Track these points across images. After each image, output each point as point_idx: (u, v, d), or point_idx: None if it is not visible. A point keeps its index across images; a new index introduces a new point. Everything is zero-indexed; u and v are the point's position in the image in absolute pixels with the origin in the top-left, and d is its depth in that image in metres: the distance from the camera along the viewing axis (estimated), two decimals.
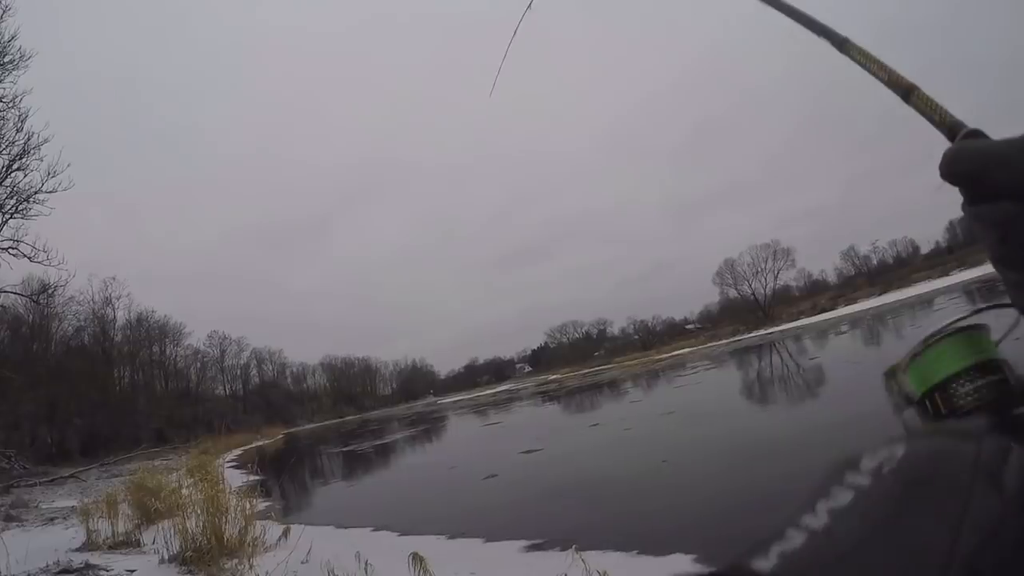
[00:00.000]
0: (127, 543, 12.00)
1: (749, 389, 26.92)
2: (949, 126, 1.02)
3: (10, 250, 34.17)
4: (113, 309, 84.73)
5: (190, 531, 9.61)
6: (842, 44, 1.35)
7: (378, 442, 41.69)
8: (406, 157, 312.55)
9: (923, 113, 1.10)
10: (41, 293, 41.63)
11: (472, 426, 44.02)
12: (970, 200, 0.82)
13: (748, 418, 18.30)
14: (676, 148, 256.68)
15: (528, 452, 20.28)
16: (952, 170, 0.83)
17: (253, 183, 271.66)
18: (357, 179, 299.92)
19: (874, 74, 1.27)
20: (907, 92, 1.16)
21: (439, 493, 17.00)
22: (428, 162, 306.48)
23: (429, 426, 50.11)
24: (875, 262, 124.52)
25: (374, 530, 13.00)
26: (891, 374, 0.94)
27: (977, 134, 0.91)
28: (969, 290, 47.64)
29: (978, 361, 0.85)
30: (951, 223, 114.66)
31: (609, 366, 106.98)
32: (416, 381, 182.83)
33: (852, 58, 1.32)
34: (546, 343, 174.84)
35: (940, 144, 0.87)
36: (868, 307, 72.96)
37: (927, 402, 0.87)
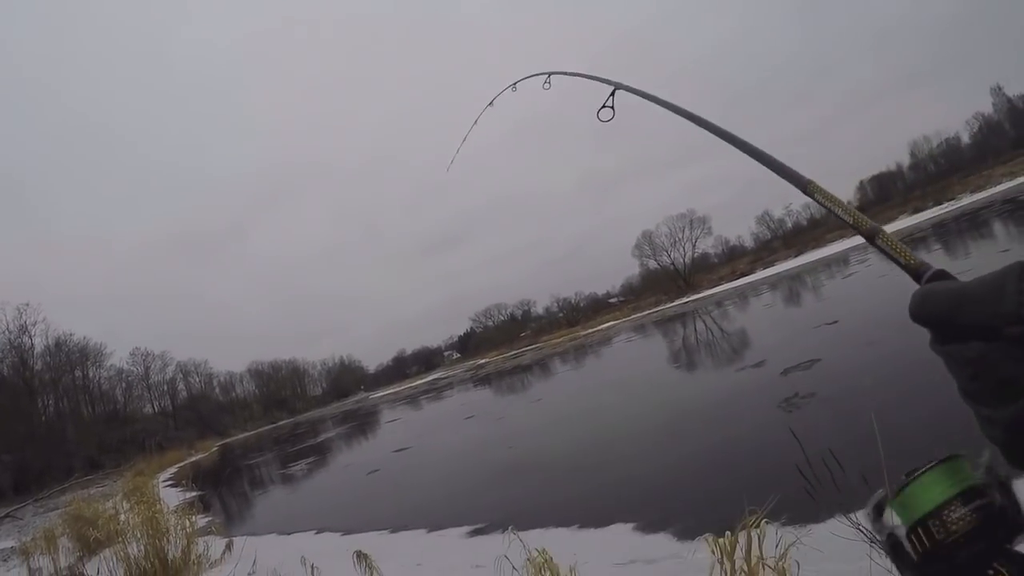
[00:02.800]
0: None
1: (674, 357, 27.35)
2: (915, 267, 1.10)
3: None
4: (30, 337, 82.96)
5: (132, 557, 9.55)
6: (806, 186, 1.48)
7: (311, 444, 41.59)
8: (317, 157, 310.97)
9: (888, 255, 1.19)
10: None
11: (402, 416, 44.09)
12: (940, 340, 0.88)
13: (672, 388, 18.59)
14: (589, 126, 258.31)
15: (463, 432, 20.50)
16: (922, 312, 0.89)
17: (163, 193, 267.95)
18: (269, 182, 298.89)
19: (839, 216, 1.39)
20: (872, 234, 1.26)
21: (378, 489, 17.15)
22: (340, 161, 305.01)
23: (360, 423, 50.06)
24: (790, 225, 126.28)
25: (317, 533, 13.05)
26: (878, 510, 0.95)
27: (943, 275, 1.00)
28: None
29: (964, 488, 0.88)
30: (861, 183, 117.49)
31: (537, 345, 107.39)
32: (346, 378, 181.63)
33: (816, 200, 1.45)
34: (472, 328, 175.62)
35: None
36: (785, 268, 73.88)
37: (914, 537, 0.89)
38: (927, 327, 0.90)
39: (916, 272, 1.08)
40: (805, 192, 1.48)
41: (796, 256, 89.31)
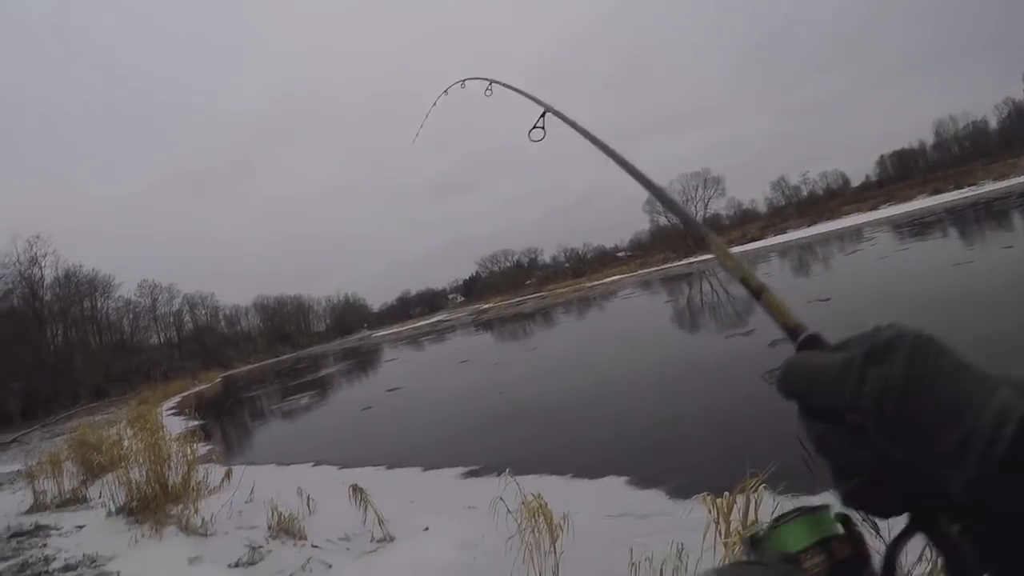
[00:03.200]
0: (74, 500, 12.09)
1: (676, 316, 27.58)
2: (792, 328, 1.09)
3: None
4: (40, 268, 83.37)
5: (134, 481, 9.72)
6: (703, 237, 1.49)
7: (312, 378, 41.80)
8: (327, 94, 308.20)
9: (769, 313, 1.18)
10: None
11: (400, 356, 44.39)
12: (798, 413, 0.90)
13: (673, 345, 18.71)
14: (611, 77, 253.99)
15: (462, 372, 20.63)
16: (783, 387, 0.90)
17: (176, 127, 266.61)
18: (277, 118, 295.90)
19: (727, 269, 1.46)
20: (758, 292, 1.22)
21: (372, 427, 17.38)
22: (349, 98, 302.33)
23: (360, 361, 50.28)
24: (805, 193, 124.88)
25: (314, 465, 13.20)
26: (757, 542, 0.99)
27: (813, 342, 0.99)
28: (897, 224, 48.17)
29: (822, 538, 0.93)
30: (882, 157, 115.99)
31: (541, 294, 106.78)
32: (350, 316, 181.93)
33: (711, 249, 1.44)
34: (478, 273, 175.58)
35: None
36: (797, 237, 73.14)
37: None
38: (788, 400, 0.91)
39: (792, 333, 1.08)
40: (700, 242, 1.52)
41: (809, 226, 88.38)
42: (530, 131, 2.57)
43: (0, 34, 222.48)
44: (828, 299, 17.94)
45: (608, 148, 2.08)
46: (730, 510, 4.23)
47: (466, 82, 3.72)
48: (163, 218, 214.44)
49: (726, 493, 4.34)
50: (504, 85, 3.19)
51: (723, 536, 4.16)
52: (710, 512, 4.28)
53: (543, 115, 2.53)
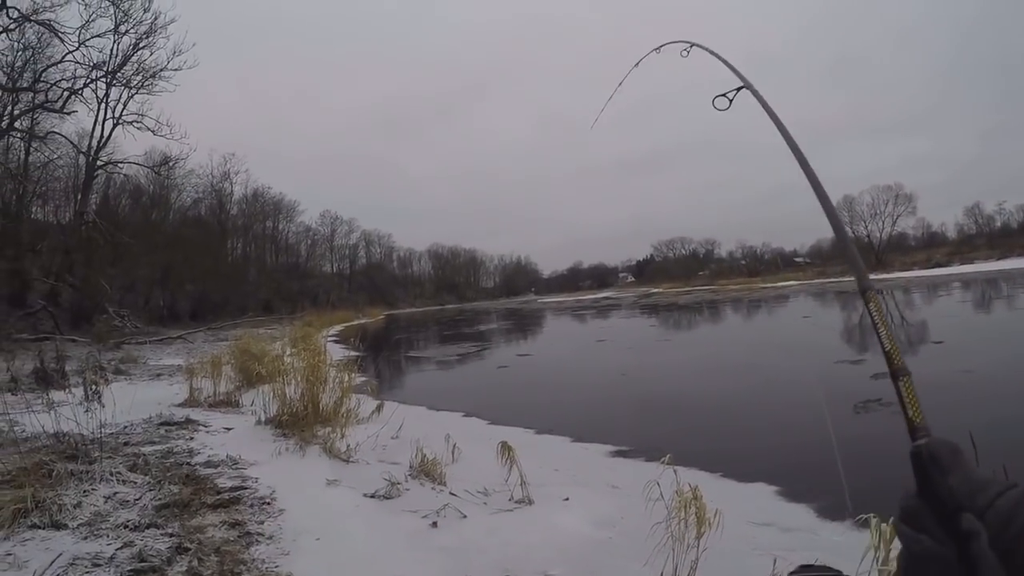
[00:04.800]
0: (227, 403, 12.38)
1: (846, 334, 26.26)
2: (916, 427, 1.13)
3: (135, 123, 35.32)
4: (231, 184, 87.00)
5: (288, 397, 9.81)
6: (865, 290, 1.49)
7: (473, 331, 42.36)
8: (536, 51, 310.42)
9: (901, 400, 1.21)
10: (162, 165, 42.94)
11: (567, 327, 44.44)
12: (907, 509, 0.89)
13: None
14: (818, 71, 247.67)
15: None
16: (929, 450, 0.93)
17: (382, 65, 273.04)
18: (487, 68, 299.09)
19: (878, 335, 1.39)
20: (896, 373, 1.28)
21: (531, 389, 17.29)
22: (554, 62, 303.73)
23: (526, 322, 50.63)
24: (999, 224, 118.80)
25: (465, 415, 13.24)
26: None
27: (950, 450, 0.94)
28: None
29: None
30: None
31: (712, 287, 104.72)
32: (519, 278, 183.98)
33: (867, 308, 1.45)
34: (652, 256, 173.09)
35: None
36: (984, 269, 69.88)
37: None
38: (918, 463, 0.93)
39: (914, 430, 1.11)
40: (862, 295, 1.49)
41: (999, 259, 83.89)
42: (715, 98, 2.49)
43: None
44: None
45: (794, 144, 2.10)
46: (892, 538, 3.81)
47: (663, 48, 3.53)
48: (356, 153, 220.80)
49: (892, 519, 3.94)
50: (705, 49, 3.03)
51: (880, 563, 3.86)
52: (872, 536, 3.93)
53: (738, 90, 2.42)
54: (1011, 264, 69.96)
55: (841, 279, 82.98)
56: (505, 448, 7.10)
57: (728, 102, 2.45)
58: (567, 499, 6.91)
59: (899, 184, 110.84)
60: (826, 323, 30.56)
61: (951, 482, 0.86)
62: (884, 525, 3.93)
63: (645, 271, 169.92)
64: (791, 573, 0.97)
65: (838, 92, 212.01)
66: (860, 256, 1.67)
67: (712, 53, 2.89)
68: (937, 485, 0.87)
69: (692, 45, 3.11)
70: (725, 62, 2.68)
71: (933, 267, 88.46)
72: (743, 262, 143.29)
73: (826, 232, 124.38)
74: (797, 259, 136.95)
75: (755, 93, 2.33)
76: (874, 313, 1.39)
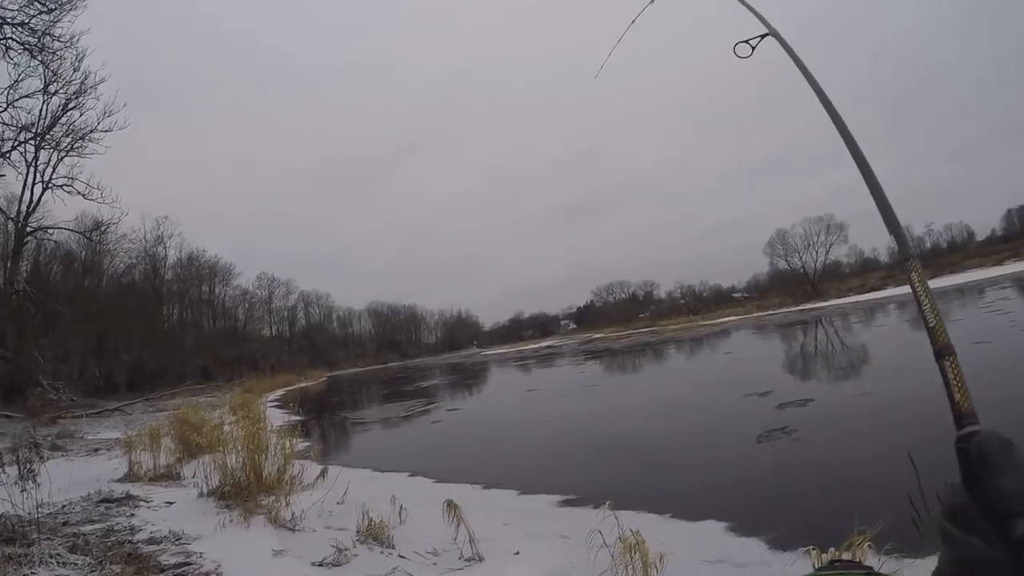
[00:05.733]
0: (168, 476, 12.25)
1: (788, 364, 26.73)
2: (962, 414, 1.01)
3: (65, 187, 34.89)
4: (164, 248, 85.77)
5: (230, 467, 9.72)
6: (908, 260, 1.47)
7: (416, 388, 42.35)
8: (471, 106, 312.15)
9: (946, 382, 1.11)
10: (94, 230, 42.39)
11: (511, 377, 44.65)
12: (947, 517, 0.84)
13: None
14: (743, 113, 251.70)
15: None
16: (983, 446, 0.86)
17: (317, 122, 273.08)
18: (424, 125, 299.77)
19: (921, 310, 1.32)
20: (941, 352, 1.17)
21: (475, 443, 17.33)
22: (493, 113, 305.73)
23: (470, 376, 50.69)
24: (928, 245, 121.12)
25: (410, 475, 13.20)
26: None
27: (1003, 442, 0.88)
28: (1021, 281, 46.94)
29: None
30: (1009, 211, 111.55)
31: (653, 328, 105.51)
32: (460, 332, 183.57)
33: (910, 279, 1.42)
34: (592, 301, 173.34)
35: None
36: None
37: None
38: (968, 459, 0.87)
39: (960, 420, 1.01)
40: (904, 267, 1.45)
41: (930, 278, 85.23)
42: (736, 45, 2.41)
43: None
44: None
45: (823, 94, 2.01)
46: None
47: None
48: (291, 212, 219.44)
49: (831, 549, 4.19)
50: None
51: None
52: (815, 565, 3.94)
53: (763, 37, 2.34)
54: (944, 282, 71.47)
55: (778, 311, 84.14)
56: (451, 506, 7.10)
57: (751, 49, 2.40)
58: (517, 553, 6.93)
59: (830, 214, 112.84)
60: (744, 357, 31.79)
61: (1004, 483, 0.81)
62: (825, 556, 4.04)
63: (586, 317, 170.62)
64: (819, 569, 0.92)
65: (769, 130, 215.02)
66: (899, 224, 1.67)
67: None
68: (987, 485, 0.82)
69: None
70: (748, 6, 2.57)
71: (868, 291, 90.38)
72: (683, 301, 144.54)
73: (761, 267, 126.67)
74: (735, 295, 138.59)
75: (782, 41, 2.27)
76: (916, 284, 1.38)
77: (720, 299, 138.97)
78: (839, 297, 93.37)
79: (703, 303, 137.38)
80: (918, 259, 1.46)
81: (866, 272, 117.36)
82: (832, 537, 4.42)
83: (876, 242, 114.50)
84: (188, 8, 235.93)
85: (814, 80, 2.02)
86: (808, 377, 20.09)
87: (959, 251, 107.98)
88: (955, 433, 0.95)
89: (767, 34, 2.31)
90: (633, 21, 3.97)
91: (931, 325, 1.23)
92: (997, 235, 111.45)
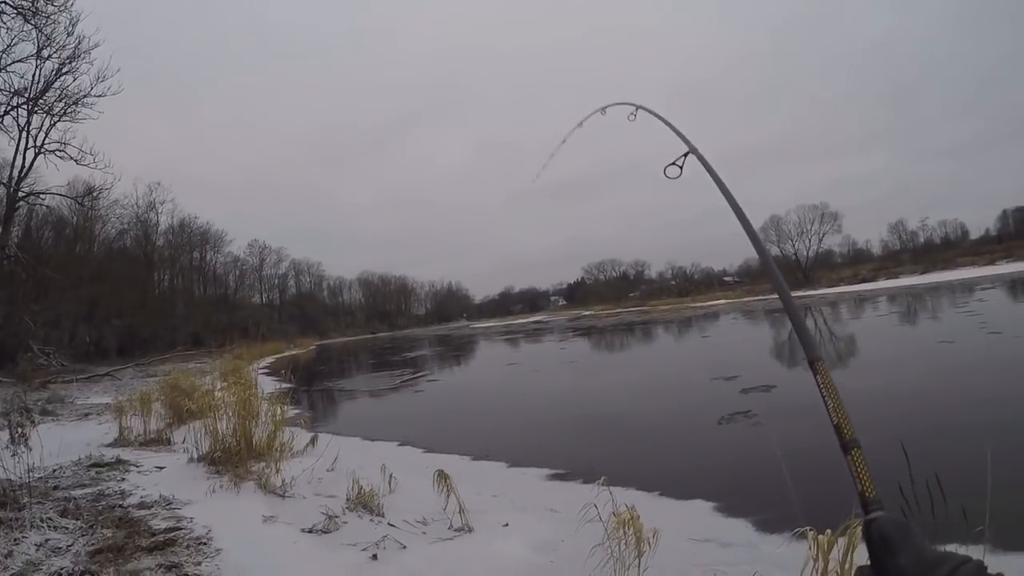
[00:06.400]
0: (158, 441, 12.26)
1: (775, 350, 26.75)
2: (868, 501, 1.13)
3: (57, 152, 34.61)
4: (156, 214, 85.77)
5: (220, 432, 9.71)
6: (813, 362, 1.53)
7: (404, 358, 42.54)
8: (472, 80, 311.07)
9: (851, 471, 1.22)
10: (86, 195, 42.14)
11: (495, 350, 44.76)
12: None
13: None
14: (745, 97, 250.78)
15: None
16: (883, 529, 0.97)
17: (317, 90, 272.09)
18: (423, 97, 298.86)
19: (826, 405, 1.42)
20: (848, 447, 1.27)
21: (465, 413, 17.40)
22: (492, 86, 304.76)
23: (459, 348, 50.76)
24: (922, 240, 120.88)
25: (400, 445, 13.18)
26: None
27: (900, 526, 0.99)
28: (1013, 282, 47.07)
29: None
30: (1005, 212, 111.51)
31: (643, 308, 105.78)
32: (450, 304, 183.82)
33: (816, 378, 1.48)
34: (583, 279, 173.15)
35: None
36: (908, 284, 71.75)
37: None
38: (873, 543, 0.97)
39: (866, 504, 1.13)
40: (811, 366, 1.53)
41: (922, 273, 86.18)
42: (666, 168, 2.58)
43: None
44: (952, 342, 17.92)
45: (738, 208, 2.31)
46: (830, 549, 3.97)
47: (608, 108, 3.63)
48: (286, 179, 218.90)
49: (828, 531, 4.07)
50: (650, 112, 3.14)
51: (820, 574, 3.95)
52: (811, 548, 4.00)
53: (685, 155, 2.51)
54: (935, 278, 71.55)
55: (768, 296, 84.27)
56: (442, 476, 7.12)
57: (679, 170, 2.52)
58: (506, 525, 6.94)
59: (824, 203, 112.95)
60: (720, 342, 32.32)
61: (902, 562, 0.89)
62: (822, 537, 4.01)
63: (576, 294, 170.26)
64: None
65: (769, 119, 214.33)
66: (807, 328, 1.70)
67: (658, 117, 2.96)
68: (888, 565, 0.91)
69: (638, 108, 3.19)
70: (671, 126, 2.75)
71: (859, 282, 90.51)
72: (673, 283, 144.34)
73: (753, 252, 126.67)
74: (727, 278, 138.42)
75: (700, 158, 2.43)
76: (821, 385, 1.43)
77: (711, 282, 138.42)
78: (830, 286, 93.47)
79: (693, 285, 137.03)
80: (824, 360, 1.55)
81: (858, 263, 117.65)
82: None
83: (869, 234, 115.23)
84: None
85: (729, 193, 2.35)
86: (777, 363, 20.34)
87: (953, 248, 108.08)
88: (861, 520, 1.08)
89: (687, 153, 2.53)
90: (563, 141, 4.17)
91: (835, 423, 1.34)
92: (991, 235, 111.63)
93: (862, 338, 24.87)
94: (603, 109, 3.62)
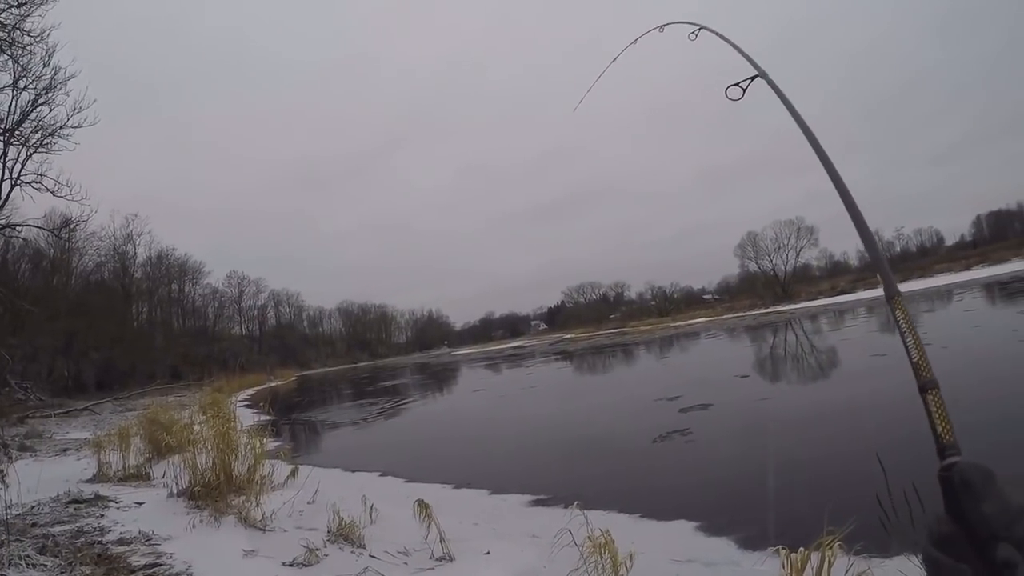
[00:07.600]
0: (137, 476, 12.18)
1: (758, 365, 26.97)
2: (945, 445, 1.06)
3: (34, 184, 34.43)
4: (134, 246, 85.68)
5: (199, 467, 9.69)
6: (892, 296, 1.51)
7: (385, 386, 42.57)
8: (452, 108, 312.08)
9: (929, 414, 1.14)
10: (63, 228, 41.97)
11: (470, 376, 44.93)
12: (936, 533, 0.89)
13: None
14: (716, 116, 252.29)
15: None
16: (964, 476, 0.91)
17: (298, 118, 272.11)
18: (406, 123, 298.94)
19: (905, 345, 1.33)
20: (925, 386, 1.20)
21: (446, 442, 17.25)
22: (473, 114, 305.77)
23: (436, 376, 50.78)
24: (898, 249, 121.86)
25: (381, 475, 13.16)
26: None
27: (972, 475, 0.92)
28: (989, 286, 47.49)
29: None
30: (978, 217, 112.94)
31: (623, 330, 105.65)
32: (431, 332, 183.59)
33: (894, 315, 1.44)
34: (563, 302, 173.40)
35: None
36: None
37: None
38: (951, 488, 0.91)
39: (943, 451, 1.05)
40: (888, 302, 1.51)
41: (900, 283, 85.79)
42: (727, 88, 2.45)
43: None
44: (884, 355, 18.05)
45: (812, 135, 2.10)
46: (804, 566, 4.08)
47: (667, 27, 3.48)
48: (265, 209, 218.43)
49: (801, 548, 4.18)
50: (714, 32, 2.99)
51: None
52: (784, 566, 4.12)
53: (753, 79, 2.37)
54: (912, 286, 71.91)
55: (747, 313, 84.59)
56: (422, 506, 7.12)
57: (741, 91, 2.43)
58: (488, 553, 6.95)
59: (800, 218, 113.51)
60: (675, 363, 33.46)
61: (986, 509, 0.85)
62: (794, 555, 4.05)
63: (557, 318, 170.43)
64: None
65: (745, 135, 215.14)
66: (887, 262, 1.68)
67: (722, 38, 2.86)
68: (969, 511, 0.86)
69: (700, 28, 3.06)
70: (738, 49, 2.66)
71: (838, 295, 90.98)
72: (653, 303, 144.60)
73: (732, 268, 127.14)
74: (706, 296, 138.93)
75: (770, 82, 2.33)
76: (901, 320, 1.38)
77: (691, 300, 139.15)
78: (809, 300, 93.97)
79: (673, 304, 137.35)
80: (902, 295, 1.52)
81: (836, 275, 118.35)
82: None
83: (846, 246, 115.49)
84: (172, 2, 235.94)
85: (801, 118, 2.11)
86: (721, 383, 20.28)
87: (929, 255, 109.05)
88: (938, 464, 1.00)
89: (756, 76, 2.36)
90: (614, 60, 4.03)
91: (914, 360, 1.26)
92: (966, 240, 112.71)
93: (842, 350, 25.13)
94: (662, 27, 3.49)
